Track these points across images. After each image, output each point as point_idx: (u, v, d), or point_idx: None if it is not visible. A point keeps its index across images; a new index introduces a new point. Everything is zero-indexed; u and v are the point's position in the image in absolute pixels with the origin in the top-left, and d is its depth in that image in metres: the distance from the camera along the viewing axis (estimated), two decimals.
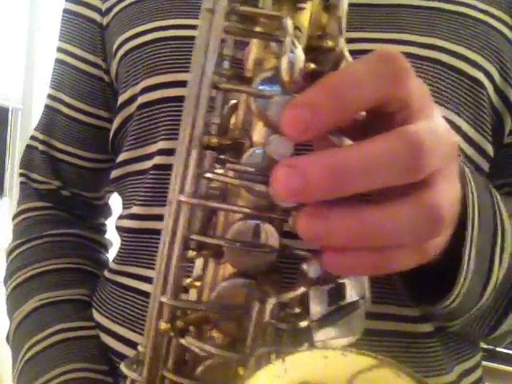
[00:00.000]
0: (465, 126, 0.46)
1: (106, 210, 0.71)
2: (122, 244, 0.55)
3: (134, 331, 0.50)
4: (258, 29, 0.29)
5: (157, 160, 0.50)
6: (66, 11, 0.63)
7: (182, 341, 0.29)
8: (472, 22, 0.47)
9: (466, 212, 0.35)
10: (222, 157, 0.30)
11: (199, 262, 0.33)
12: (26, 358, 0.53)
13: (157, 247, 0.49)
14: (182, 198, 0.29)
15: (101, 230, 0.70)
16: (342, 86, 0.25)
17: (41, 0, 3.27)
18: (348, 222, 0.25)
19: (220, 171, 0.29)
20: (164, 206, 0.49)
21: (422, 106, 0.28)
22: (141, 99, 0.51)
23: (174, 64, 0.49)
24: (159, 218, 0.50)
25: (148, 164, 0.51)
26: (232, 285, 0.29)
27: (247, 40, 0.30)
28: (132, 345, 0.50)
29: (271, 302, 0.27)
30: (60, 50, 0.63)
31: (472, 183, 0.36)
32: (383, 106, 0.27)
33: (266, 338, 0.28)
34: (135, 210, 0.52)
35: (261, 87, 0.27)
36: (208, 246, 0.30)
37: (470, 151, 0.47)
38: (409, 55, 0.45)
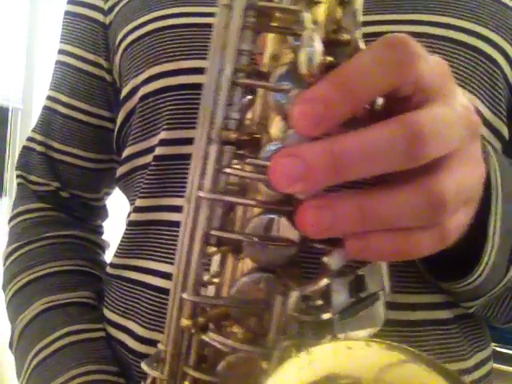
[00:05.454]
0: (481, 107, 0.46)
1: (103, 212, 0.71)
2: (123, 237, 0.55)
3: (141, 325, 0.49)
4: (275, 23, 0.29)
5: (158, 151, 0.50)
6: (67, 13, 0.63)
7: (205, 337, 0.29)
8: (488, 1, 0.47)
9: (490, 188, 0.35)
10: (239, 152, 0.29)
11: (217, 258, 0.33)
12: (34, 363, 0.52)
13: (160, 239, 0.50)
14: (202, 194, 0.29)
15: (98, 231, 0.70)
16: (349, 77, 0.25)
17: (41, 0, 3.26)
18: (350, 210, 0.26)
19: (239, 166, 0.29)
20: (166, 197, 0.50)
21: (438, 86, 0.28)
22: (143, 90, 0.51)
23: (176, 52, 0.49)
24: (162, 209, 0.50)
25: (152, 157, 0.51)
26: (253, 279, 0.29)
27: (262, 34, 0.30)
28: (136, 337, 0.50)
29: (294, 295, 0.27)
30: (61, 51, 0.63)
31: (494, 158, 0.36)
32: (396, 91, 0.27)
33: (288, 331, 0.28)
34: (138, 202, 0.52)
35: (279, 82, 0.27)
36: (227, 241, 0.30)
37: (486, 133, 0.47)
38: (425, 35, 0.45)
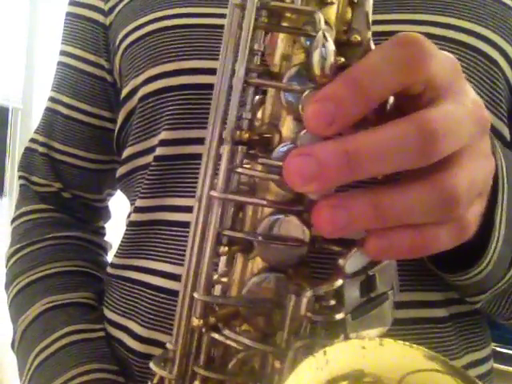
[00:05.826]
0: None
1: (105, 213, 0.71)
2: (124, 237, 0.55)
3: (140, 324, 0.49)
4: (286, 23, 0.29)
5: (158, 151, 0.50)
6: (68, 14, 0.63)
7: (218, 336, 0.29)
8: (488, 1, 0.47)
9: (497, 179, 0.35)
10: (251, 152, 0.30)
11: (226, 257, 0.33)
12: (36, 363, 0.52)
13: (161, 239, 0.50)
14: (214, 194, 0.29)
15: (101, 232, 0.70)
16: (361, 76, 0.26)
17: (41, 0, 3.27)
18: (364, 208, 0.26)
19: (251, 166, 0.29)
20: (167, 197, 0.50)
21: (448, 83, 0.28)
22: (143, 90, 0.51)
23: (177, 53, 0.49)
24: (163, 209, 0.50)
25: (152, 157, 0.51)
26: (264, 279, 0.30)
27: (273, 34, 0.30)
28: (135, 336, 0.50)
29: (307, 295, 0.27)
30: (62, 52, 0.63)
31: (501, 153, 0.36)
32: (407, 90, 0.27)
33: (300, 331, 0.28)
34: (138, 202, 0.52)
35: (292, 82, 0.28)
36: (238, 240, 0.30)
37: None
38: (426, 35, 0.45)
